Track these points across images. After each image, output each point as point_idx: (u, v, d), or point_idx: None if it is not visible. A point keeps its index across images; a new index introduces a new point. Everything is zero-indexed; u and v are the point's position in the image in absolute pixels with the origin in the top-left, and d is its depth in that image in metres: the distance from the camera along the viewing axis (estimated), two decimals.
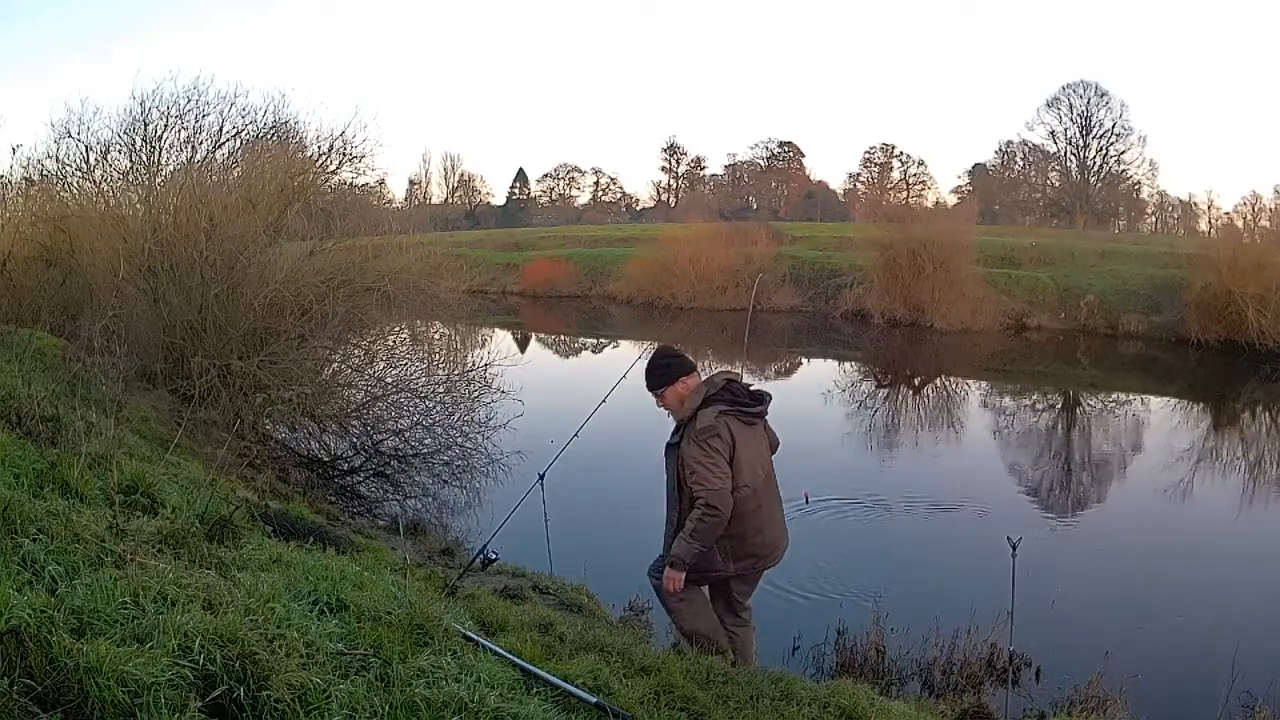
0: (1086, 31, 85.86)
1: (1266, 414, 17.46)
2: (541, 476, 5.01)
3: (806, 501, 6.93)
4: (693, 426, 4.16)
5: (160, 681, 2.17)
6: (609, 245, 42.01)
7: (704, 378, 4.38)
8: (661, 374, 4.35)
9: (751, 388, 4.38)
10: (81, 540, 2.98)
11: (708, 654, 4.12)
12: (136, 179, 11.24)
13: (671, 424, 4.40)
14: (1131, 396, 18.63)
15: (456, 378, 10.79)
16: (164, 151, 11.26)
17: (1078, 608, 6.87)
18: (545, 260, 39.46)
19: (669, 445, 4.31)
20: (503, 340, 24.08)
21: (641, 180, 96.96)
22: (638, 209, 75.13)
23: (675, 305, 32.06)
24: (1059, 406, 17.91)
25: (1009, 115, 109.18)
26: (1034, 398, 18.62)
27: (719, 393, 4.23)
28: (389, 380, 10.68)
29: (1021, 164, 65.55)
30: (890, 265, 27.91)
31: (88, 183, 11.54)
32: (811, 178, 75.09)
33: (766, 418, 4.41)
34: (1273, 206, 30.42)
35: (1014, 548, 4.30)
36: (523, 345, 26.02)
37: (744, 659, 4.32)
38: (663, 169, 77.04)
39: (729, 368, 4.57)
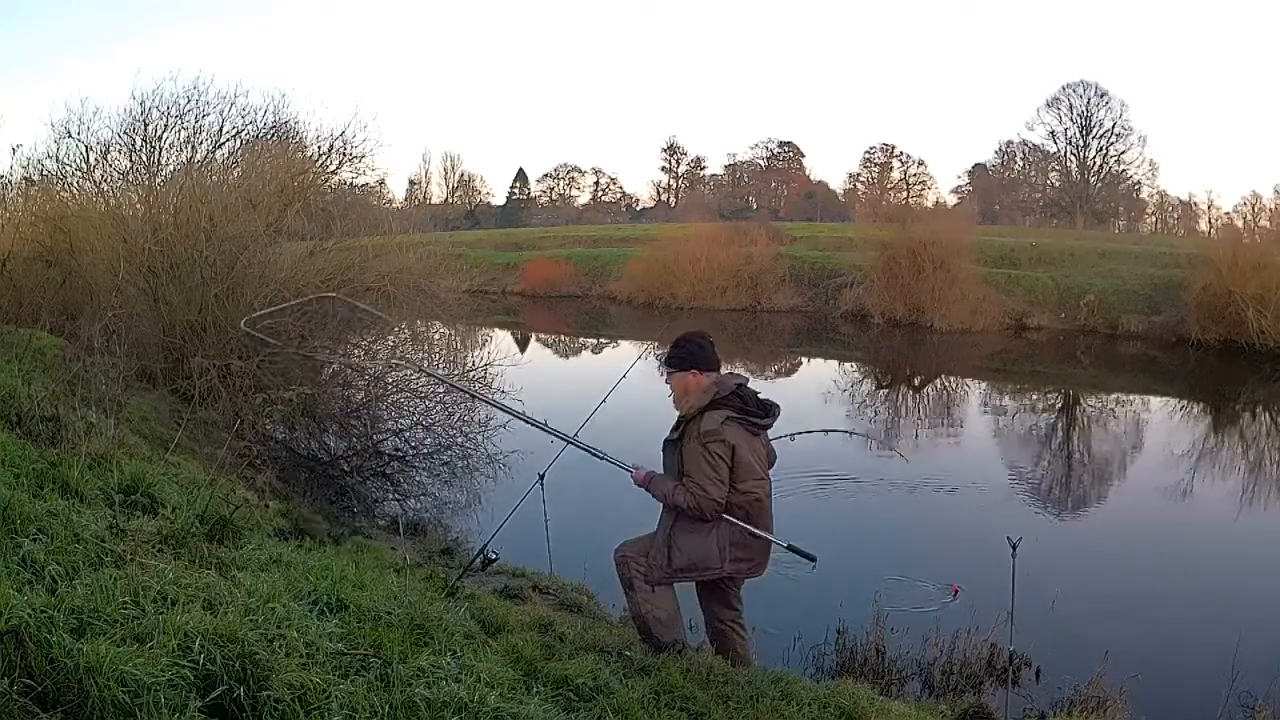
0: (1086, 31, 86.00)
1: (1266, 414, 17.46)
2: (541, 476, 5.00)
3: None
4: (698, 426, 4.07)
5: (160, 681, 2.17)
6: (609, 245, 42.01)
7: (715, 378, 4.20)
8: (679, 357, 4.25)
9: (761, 396, 4.26)
10: (81, 540, 2.99)
11: (656, 644, 4.05)
12: (136, 179, 11.23)
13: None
14: (1131, 396, 18.63)
15: (457, 377, 10.79)
16: (164, 151, 11.27)
17: (1078, 608, 6.86)
18: (545, 260, 39.47)
19: (667, 440, 4.23)
20: (503, 340, 24.08)
21: (641, 180, 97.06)
22: (638, 209, 75.13)
23: (675, 305, 32.06)
24: (1059, 406, 17.91)
25: (1009, 115, 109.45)
26: (1034, 398, 18.63)
27: (728, 397, 4.10)
28: (389, 380, 10.68)
29: (1021, 164, 65.62)
30: (890, 265, 27.92)
31: (88, 183, 11.55)
32: (811, 178, 75.16)
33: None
34: (1273, 206, 30.34)
35: (1014, 548, 4.30)
36: (523, 345, 26.02)
37: (742, 660, 4.29)
38: (663, 169, 77.18)
39: (740, 372, 4.38)
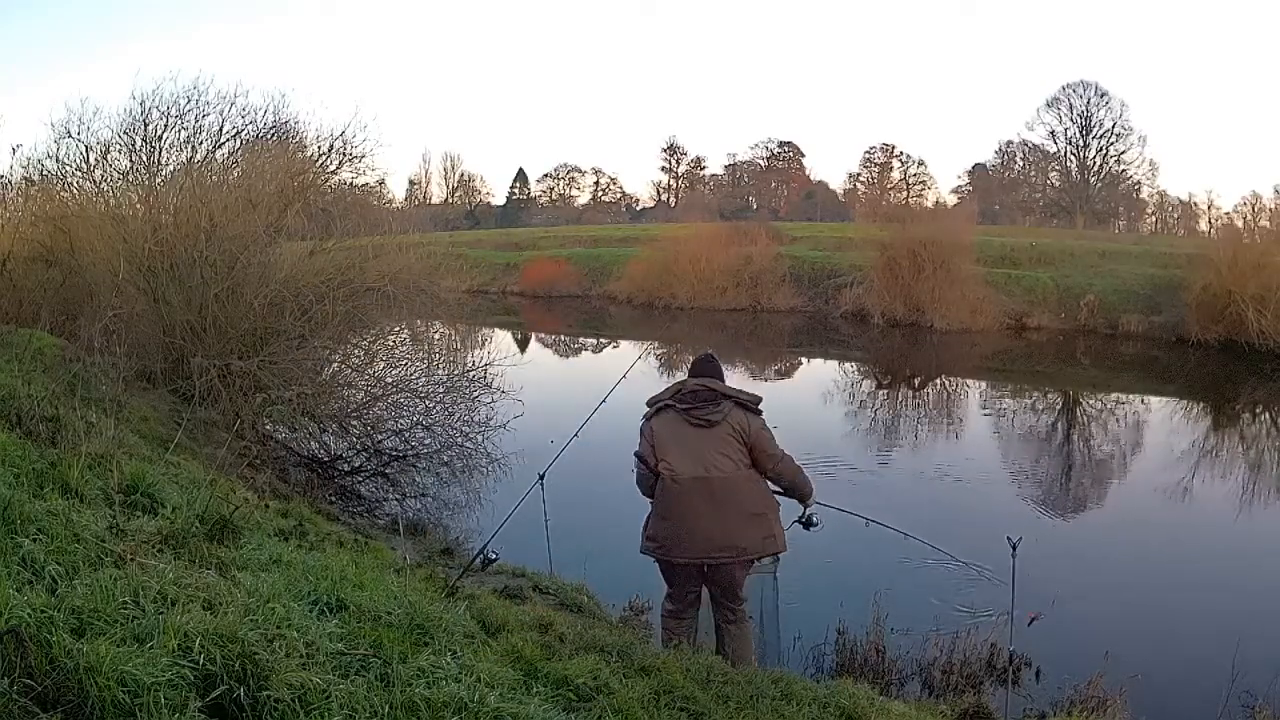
0: (1086, 31, 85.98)
1: (1266, 414, 17.46)
2: (541, 476, 5.01)
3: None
4: None
5: (160, 681, 2.17)
6: (609, 245, 42.04)
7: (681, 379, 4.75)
8: None
9: (721, 389, 4.62)
10: (81, 540, 2.98)
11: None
12: (136, 179, 11.20)
13: None
14: (1131, 396, 18.62)
15: (456, 377, 10.79)
16: (164, 151, 11.22)
17: (1078, 608, 6.87)
18: (545, 260, 39.48)
19: None
20: (503, 340, 24.09)
21: (641, 180, 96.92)
22: (638, 209, 75.09)
23: (675, 305, 32.07)
24: (1059, 406, 17.91)
25: (1009, 115, 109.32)
26: (1034, 398, 18.62)
27: (680, 395, 4.62)
28: (389, 380, 10.67)
29: (1021, 164, 65.57)
30: (890, 265, 27.92)
31: (88, 183, 11.52)
32: (811, 178, 75.15)
33: (739, 420, 4.58)
34: (1273, 206, 30.32)
35: (1014, 548, 4.31)
36: (523, 345, 26.01)
37: (739, 659, 4.32)
38: (663, 169, 77.13)
39: (709, 379, 4.72)
